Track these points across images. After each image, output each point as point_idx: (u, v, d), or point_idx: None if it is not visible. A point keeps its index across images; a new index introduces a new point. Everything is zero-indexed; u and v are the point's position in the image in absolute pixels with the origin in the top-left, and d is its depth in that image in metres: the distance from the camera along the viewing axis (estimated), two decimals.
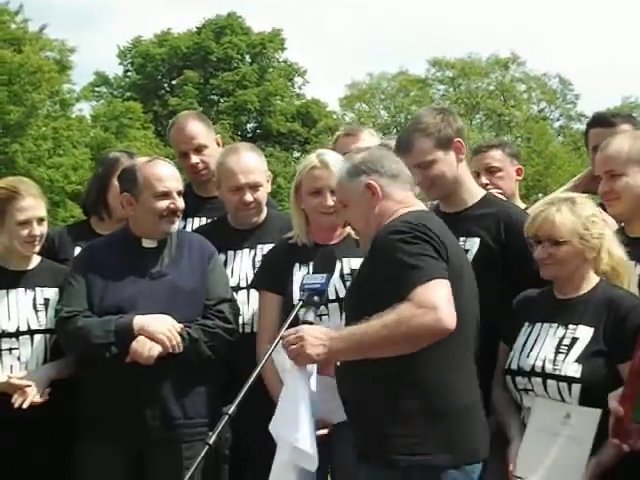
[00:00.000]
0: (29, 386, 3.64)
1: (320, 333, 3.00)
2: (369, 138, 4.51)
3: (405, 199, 3.26)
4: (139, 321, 3.59)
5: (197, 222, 4.39)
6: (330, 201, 3.65)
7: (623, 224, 3.42)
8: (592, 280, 3.19)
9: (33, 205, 3.82)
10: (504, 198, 4.02)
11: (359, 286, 3.15)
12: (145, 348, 3.54)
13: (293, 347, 2.98)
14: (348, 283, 3.58)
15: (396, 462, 2.92)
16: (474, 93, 36.34)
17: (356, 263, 3.50)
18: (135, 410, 3.58)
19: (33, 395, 3.64)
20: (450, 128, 3.58)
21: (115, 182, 4.08)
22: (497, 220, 3.51)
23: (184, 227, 4.34)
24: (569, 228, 3.12)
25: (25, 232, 3.78)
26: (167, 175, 3.78)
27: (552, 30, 55.74)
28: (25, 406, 3.62)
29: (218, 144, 4.58)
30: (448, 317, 2.85)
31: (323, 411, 3.21)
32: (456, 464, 2.95)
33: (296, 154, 35.78)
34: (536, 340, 3.15)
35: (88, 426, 3.67)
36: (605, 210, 3.40)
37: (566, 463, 2.91)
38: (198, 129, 4.51)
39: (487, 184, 4.32)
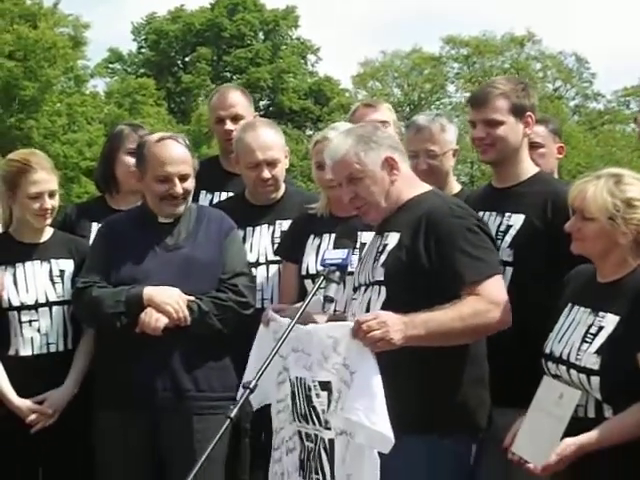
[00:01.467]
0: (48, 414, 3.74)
1: (396, 318, 2.93)
2: (388, 113, 4.48)
3: (413, 176, 3.35)
4: (148, 292, 3.61)
5: (224, 197, 4.41)
6: (329, 174, 3.58)
7: None
8: (632, 266, 2.92)
9: (45, 179, 3.83)
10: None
11: (406, 261, 3.11)
12: (152, 319, 3.56)
13: (377, 332, 2.88)
14: (355, 257, 3.48)
15: (449, 431, 3.06)
16: (489, 71, 36.02)
17: (367, 237, 3.48)
18: (146, 381, 3.61)
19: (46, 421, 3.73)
20: (527, 100, 3.57)
21: (121, 156, 4.16)
22: (545, 198, 3.42)
23: (211, 201, 4.38)
24: (599, 206, 2.88)
25: (37, 205, 3.80)
26: (170, 158, 3.70)
27: (568, 8, 55.15)
28: (34, 430, 3.72)
29: None
30: (509, 315, 3.05)
31: None
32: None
33: (309, 132, 35.64)
34: (570, 325, 2.99)
35: (102, 395, 3.73)
36: None
37: (547, 441, 2.84)
38: (239, 99, 4.57)
39: None
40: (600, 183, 2.90)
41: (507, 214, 3.51)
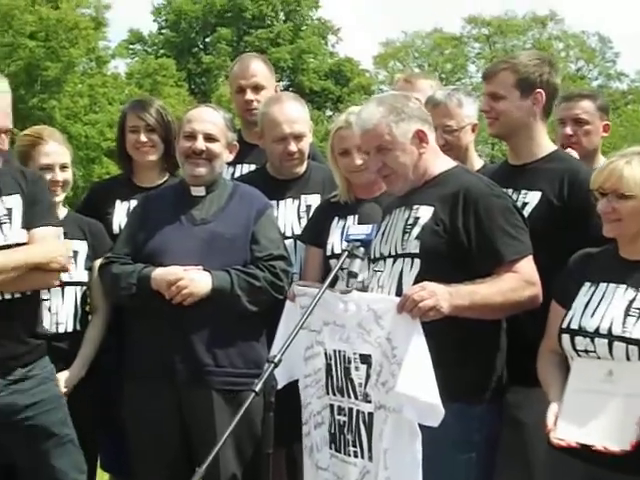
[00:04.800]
0: None
1: (443, 288, 2.97)
2: (426, 91, 4.40)
3: (439, 150, 3.38)
4: (155, 273, 3.61)
5: (246, 168, 4.40)
6: (358, 160, 3.64)
7: None
8: None
9: (56, 151, 3.87)
10: (576, 156, 3.86)
11: (443, 235, 3.14)
12: (179, 297, 3.54)
13: (428, 302, 2.91)
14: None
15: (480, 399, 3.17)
16: (510, 51, 35.80)
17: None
18: (166, 355, 3.61)
19: None
20: (539, 76, 3.50)
21: (127, 134, 4.19)
22: (562, 176, 3.39)
23: (232, 173, 4.37)
24: (638, 182, 2.90)
25: (48, 177, 3.77)
26: (197, 116, 3.80)
27: None
28: None
29: (276, 92, 4.54)
30: (541, 294, 3.14)
31: None
32: None
33: (329, 112, 35.62)
34: (601, 301, 2.94)
35: (130, 367, 3.74)
36: None
37: (616, 420, 2.76)
38: (261, 68, 4.54)
39: (571, 135, 4.16)
40: (634, 161, 2.93)
41: (523, 191, 3.47)
